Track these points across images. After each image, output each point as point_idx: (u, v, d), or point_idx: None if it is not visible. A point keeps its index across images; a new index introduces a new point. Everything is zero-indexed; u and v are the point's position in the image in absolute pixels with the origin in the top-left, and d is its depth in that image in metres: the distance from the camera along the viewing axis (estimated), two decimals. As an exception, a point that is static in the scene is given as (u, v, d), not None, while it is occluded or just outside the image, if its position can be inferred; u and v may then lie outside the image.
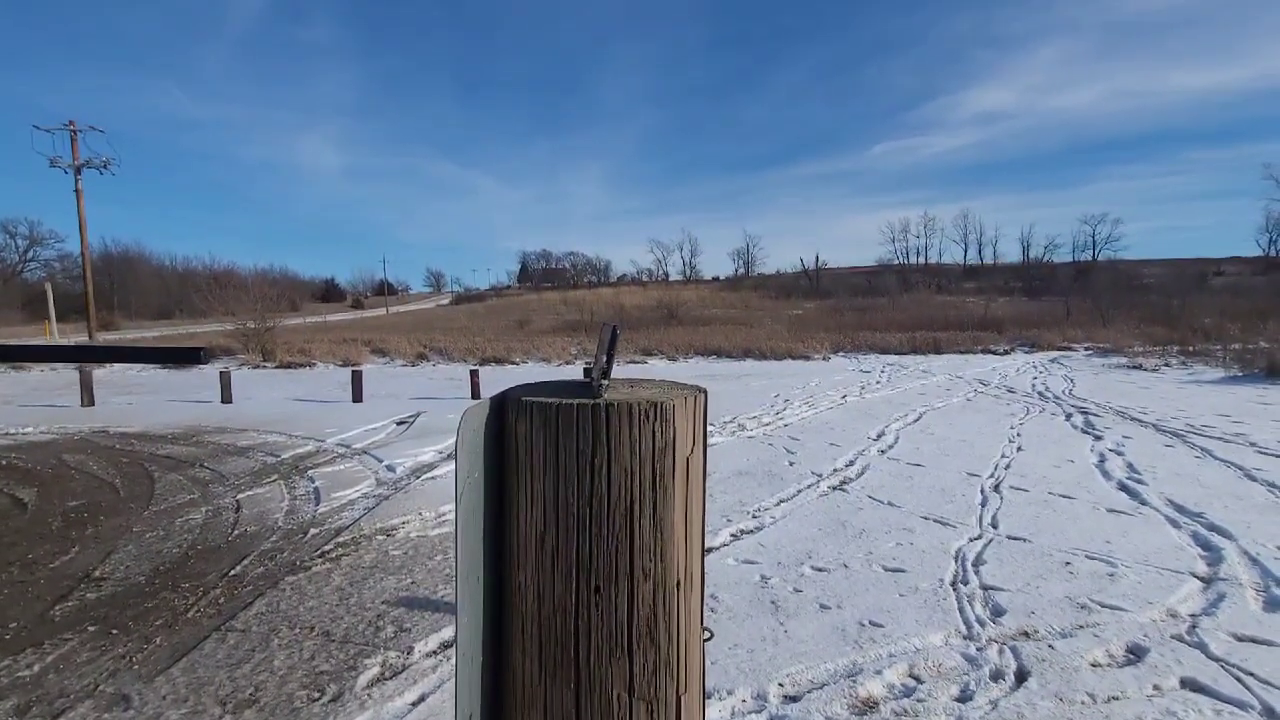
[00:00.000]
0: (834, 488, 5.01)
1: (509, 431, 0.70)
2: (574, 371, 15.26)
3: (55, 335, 26.75)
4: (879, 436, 6.94)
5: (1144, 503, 4.49)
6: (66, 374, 15.00)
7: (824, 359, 17.44)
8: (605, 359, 0.70)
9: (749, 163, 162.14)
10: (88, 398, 10.07)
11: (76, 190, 29.14)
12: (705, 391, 0.76)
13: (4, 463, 6.17)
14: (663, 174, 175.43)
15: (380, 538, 4.07)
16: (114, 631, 2.89)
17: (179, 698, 2.38)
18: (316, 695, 2.39)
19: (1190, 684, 2.39)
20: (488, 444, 0.69)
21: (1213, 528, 3.95)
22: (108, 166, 29.73)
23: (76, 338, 26.52)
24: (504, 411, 0.71)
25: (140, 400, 10.82)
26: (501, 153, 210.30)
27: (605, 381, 0.70)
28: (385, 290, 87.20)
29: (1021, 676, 2.45)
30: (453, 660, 2.72)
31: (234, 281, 27.25)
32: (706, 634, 0.74)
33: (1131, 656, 2.59)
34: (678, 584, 0.68)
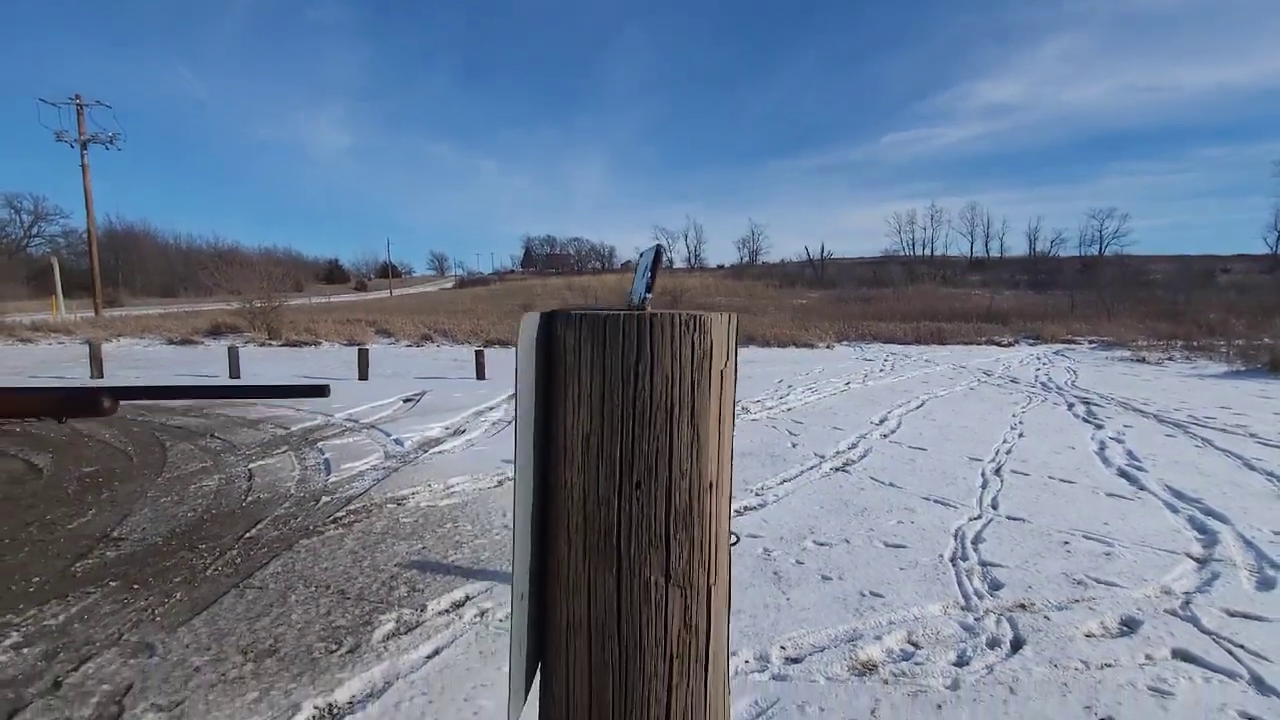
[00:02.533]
0: (836, 469, 5.07)
1: (556, 341, 0.76)
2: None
3: (63, 310, 26.86)
4: (882, 421, 6.99)
5: (1143, 488, 4.54)
6: (75, 348, 15.11)
7: (828, 347, 17.46)
8: (650, 277, 0.75)
9: (755, 151, 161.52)
10: (97, 370, 10.17)
11: (83, 165, 29.12)
12: (737, 314, 0.81)
13: (18, 430, 6.26)
14: (668, 161, 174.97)
15: (391, 506, 4.15)
16: (135, 586, 2.97)
17: (201, 646, 2.46)
18: (334, 647, 2.48)
19: (1182, 654, 2.45)
20: (538, 353, 0.74)
21: (1210, 512, 4.01)
22: (114, 142, 29.64)
23: (83, 314, 26.60)
24: (553, 324, 0.76)
25: (148, 375, 10.91)
26: (506, 137, 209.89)
27: (649, 295, 0.76)
28: (389, 272, 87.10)
29: (1017, 644, 2.52)
30: (469, 606, 2.79)
31: (239, 260, 27.27)
32: (733, 538, 0.80)
33: (1125, 628, 2.66)
34: (710, 485, 0.74)
